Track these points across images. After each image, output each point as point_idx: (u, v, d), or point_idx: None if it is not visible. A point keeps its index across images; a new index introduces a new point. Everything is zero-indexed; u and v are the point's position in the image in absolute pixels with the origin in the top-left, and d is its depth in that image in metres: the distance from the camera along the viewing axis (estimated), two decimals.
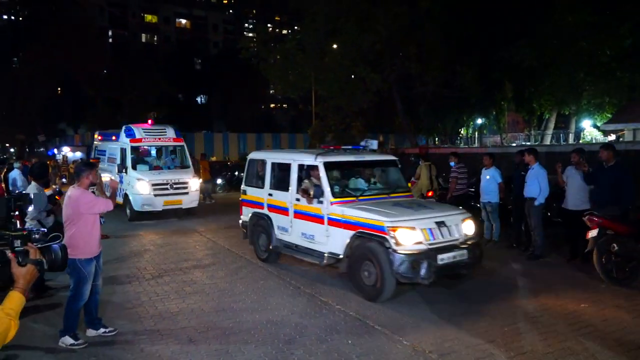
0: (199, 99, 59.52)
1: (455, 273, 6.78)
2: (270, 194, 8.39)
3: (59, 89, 46.81)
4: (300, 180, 7.75)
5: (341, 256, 6.87)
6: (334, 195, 7.16)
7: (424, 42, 19.01)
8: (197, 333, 5.53)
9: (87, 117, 43.92)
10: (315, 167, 7.49)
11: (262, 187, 8.60)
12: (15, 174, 11.19)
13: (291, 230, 7.87)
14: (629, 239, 6.85)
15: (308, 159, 7.69)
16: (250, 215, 8.86)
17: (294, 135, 41.62)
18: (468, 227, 6.76)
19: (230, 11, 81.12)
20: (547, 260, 8.52)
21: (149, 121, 14.89)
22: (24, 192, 6.80)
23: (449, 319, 5.80)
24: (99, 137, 16.69)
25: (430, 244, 6.27)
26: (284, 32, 30.62)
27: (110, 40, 61.52)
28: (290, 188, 7.89)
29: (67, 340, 5.05)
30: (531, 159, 8.61)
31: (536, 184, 8.44)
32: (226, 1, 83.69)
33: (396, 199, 7.56)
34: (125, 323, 5.83)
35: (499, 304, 6.35)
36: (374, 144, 8.72)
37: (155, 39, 69.89)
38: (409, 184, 12.26)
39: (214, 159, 31.55)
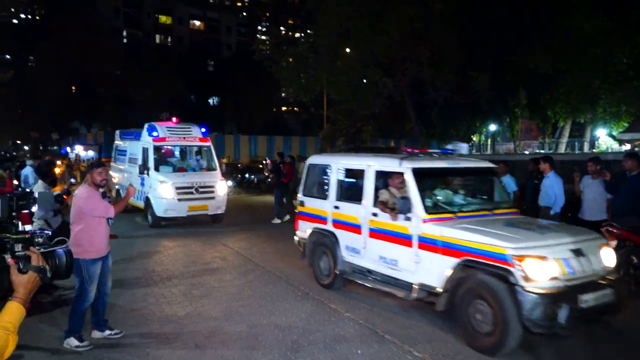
0: (211, 101, 59.74)
1: (597, 319, 5.25)
2: (336, 207, 7.05)
3: (73, 87, 47.22)
4: (377, 191, 6.45)
5: (438, 290, 5.39)
6: (427, 210, 5.74)
7: (436, 45, 18.83)
8: (204, 338, 5.44)
9: (99, 116, 44.28)
10: (399, 175, 6.20)
11: (325, 197, 7.27)
12: (28, 171, 11.21)
13: (364, 252, 6.53)
14: None
15: (390, 165, 6.40)
16: (309, 231, 7.52)
17: (305, 139, 41.55)
18: (607, 257, 5.26)
19: (244, 14, 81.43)
20: None
21: (174, 119, 13.55)
22: (27, 190, 6.77)
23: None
24: (120, 136, 15.81)
25: (567, 280, 4.81)
26: (297, 35, 30.62)
27: (125, 40, 62.01)
28: (364, 200, 6.56)
29: (72, 341, 4.99)
30: (546, 167, 8.43)
31: (552, 193, 8.26)
32: (240, 4, 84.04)
33: (502, 216, 6.15)
34: (131, 325, 5.76)
35: None
36: (464, 147, 8.04)
37: (169, 39, 70.32)
38: None
39: (224, 160, 31.59)
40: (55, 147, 44.76)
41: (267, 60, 22.26)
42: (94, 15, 45.20)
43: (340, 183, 7.15)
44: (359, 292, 7.02)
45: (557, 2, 18.10)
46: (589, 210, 7.96)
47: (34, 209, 6.73)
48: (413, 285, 5.72)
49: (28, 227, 6.59)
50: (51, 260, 1.97)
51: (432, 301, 5.57)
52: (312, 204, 7.64)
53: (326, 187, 7.35)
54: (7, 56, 55.75)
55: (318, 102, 30.80)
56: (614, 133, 23.86)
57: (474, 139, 31.58)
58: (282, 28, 54.15)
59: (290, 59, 23.03)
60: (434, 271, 5.50)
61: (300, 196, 7.95)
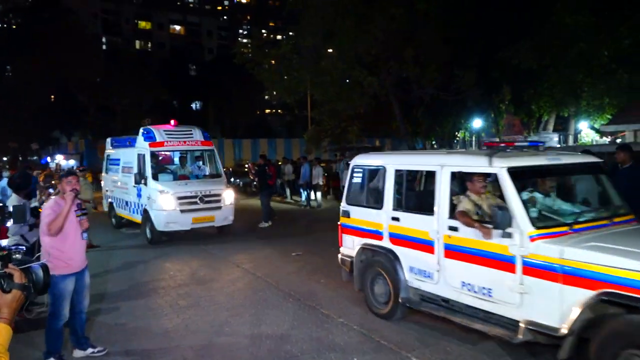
0: (193, 105, 59.19)
1: None
2: (395, 219, 5.72)
3: (52, 96, 46.42)
4: (452, 198, 5.16)
5: (561, 331, 4.04)
6: (534, 223, 4.39)
7: (421, 44, 18.76)
8: (193, 352, 5.19)
9: (80, 125, 43.56)
10: (482, 177, 4.97)
11: (379, 207, 5.95)
12: (4, 183, 10.84)
13: (439, 277, 5.19)
14: None
15: (474, 163, 5.07)
16: (358, 247, 6.23)
17: (289, 141, 41.36)
18: None
19: (225, 17, 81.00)
20: None
21: (172, 122, 12.16)
22: (1, 204, 6.40)
23: (459, 334, 5.47)
24: (112, 144, 14.31)
25: None
26: (279, 37, 30.49)
27: (104, 47, 61.21)
28: (437, 209, 5.20)
29: None
30: None
31: None
32: (220, 7, 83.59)
33: (626, 226, 4.85)
34: (116, 342, 5.47)
35: None
36: (552, 138, 6.59)
37: (149, 45, 69.67)
38: None
39: None
40: (35, 157, 43.92)
41: (249, 63, 22.03)
42: (72, 22, 44.44)
43: (399, 189, 5.84)
44: (352, 296, 6.81)
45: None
46: None
47: (9, 223, 6.45)
48: (520, 324, 4.35)
49: (4, 243, 6.25)
50: (28, 276, 1.84)
51: (547, 343, 4.30)
52: (360, 215, 6.29)
53: (380, 194, 6.02)
54: None
55: (302, 103, 30.63)
56: (596, 126, 24.03)
57: (459, 135, 31.62)
58: (263, 31, 53.94)
59: (273, 61, 22.82)
60: (551, 306, 4.14)
61: (344, 205, 6.62)
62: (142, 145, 11.60)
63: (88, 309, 5.21)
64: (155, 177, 11.08)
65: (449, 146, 28.93)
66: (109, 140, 14.63)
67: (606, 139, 23.31)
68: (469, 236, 4.84)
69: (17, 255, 1.87)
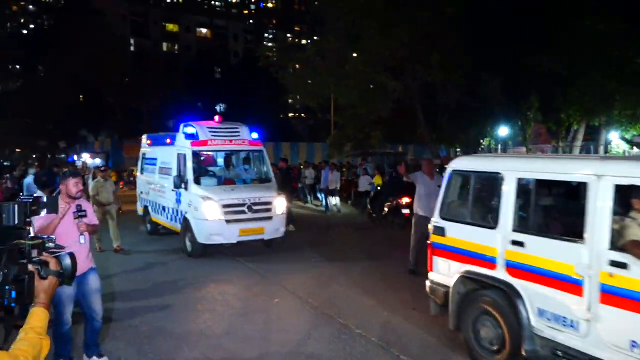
0: (218, 108, 59.68)
1: None
2: (517, 243, 4.41)
3: (81, 96, 47.35)
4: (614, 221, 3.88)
5: None
6: None
7: (447, 49, 18.45)
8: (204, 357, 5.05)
9: (107, 125, 44.31)
10: None
11: (491, 225, 4.71)
12: (30, 180, 11.07)
13: (589, 329, 3.90)
14: None
15: None
16: (457, 276, 4.97)
17: (312, 145, 41.27)
18: None
19: (251, 21, 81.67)
20: None
21: (217, 118, 10.90)
22: (36, 195, 6.35)
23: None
24: (148, 142, 12.95)
25: None
26: (304, 42, 30.57)
27: (132, 48, 62.25)
28: (589, 236, 3.91)
29: None
30: None
31: None
32: (247, 12, 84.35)
33: None
34: (124, 347, 5.36)
35: None
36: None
37: (176, 47, 70.64)
38: None
39: None
40: (62, 156, 44.80)
41: (274, 67, 22.04)
42: (101, 24, 45.33)
43: (525, 204, 4.53)
44: (373, 305, 6.60)
45: (572, 3, 17.66)
46: None
47: (43, 213, 6.43)
48: None
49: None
50: (59, 263, 1.96)
51: None
52: (461, 234, 5.04)
53: (493, 209, 4.78)
54: (17, 66, 56.08)
55: (326, 107, 30.52)
56: (627, 136, 23.28)
57: (484, 143, 31.06)
58: (288, 35, 54.19)
59: (298, 65, 22.78)
60: None
61: (437, 220, 5.37)
62: (183, 143, 10.28)
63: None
64: (197, 181, 9.80)
65: (474, 154, 28.38)
66: (145, 137, 13.29)
67: (636, 150, 22.56)
68: None
69: (51, 244, 1.97)
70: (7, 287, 1.71)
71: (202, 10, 71.94)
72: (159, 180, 11.59)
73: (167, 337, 5.59)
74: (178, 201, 10.24)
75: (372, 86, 20.38)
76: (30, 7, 66.87)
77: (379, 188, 16.00)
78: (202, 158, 10.78)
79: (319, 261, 9.40)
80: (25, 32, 62.48)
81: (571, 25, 17.94)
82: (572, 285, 4.00)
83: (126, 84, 44.69)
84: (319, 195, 18.23)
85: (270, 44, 53.02)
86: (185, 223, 9.88)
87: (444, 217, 5.32)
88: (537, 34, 18.39)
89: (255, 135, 10.79)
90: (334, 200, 17.18)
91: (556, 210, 4.76)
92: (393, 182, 15.46)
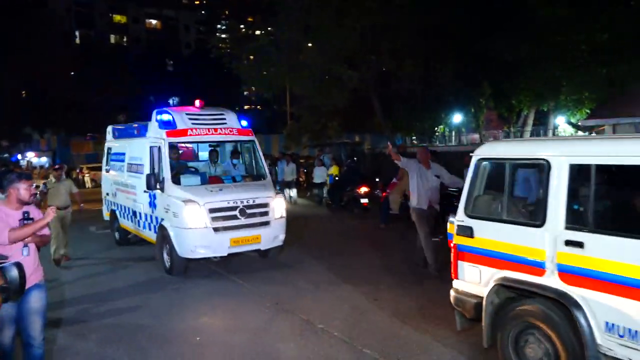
0: (171, 101, 58.19)
1: None
2: (573, 243, 3.66)
3: (23, 92, 45.10)
4: None
5: None
6: None
7: (398, 37, 18.53)
8: None
9: (53, 121, 42.39)
10: None
11: (537, 222, 3.92)
12: None
13: None
14: None
15: None
16: (491, 284, 4.21)
17: (269, 137, 40.82)
18: None
19: (202, 12, 79.86)
20: None
21: (197, 102, 9.01)
22: None
23: (447, 336, 5.17)
24: (114, 134, 11.18)
25: None
26: (257, 32, 30.13)
27: (77, 41, 59.74)
28: None
29: None
30: None
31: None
32: (198, 2, 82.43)
33: None
34: None
35: None
36: None
37: (124, 39, 68.26)
38: (391, 185, 11.80)
39: None
40: (5, 155, 42.59)
41: (227, 57, 21.60)
42: (44, 16, 43.18)
43: (583, 195, 3.74)
44: (333, 299, 6.46)
45: None
46: None
47: None
48: None
49: None
50: (3, 276, 1.76)
51: None
52: (495, 234, 4.23)
53: (539, 202, 3.97)
54: None
55: (281, 99, 30.21)
56: (573, 120, 24.12)
57: (438, 130, 31.58)
58: (242, 26, 53.35)
59: (252, 57, 22.42)
60: None
61: (461, 218, 4.53)
62: (156, 134, 8.46)
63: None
64: (175, 180, 8.06)
65: (429, 141, 28.84)
66: (110, 129, 11.48)
67: (584, 134, 23.40)
68: None
69: None
70: None
71: (150, 0, 69.67)
72: (127, 179, 9.78)
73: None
74: (152, 205, 8.48)
75: (327, 76, 20.28)
76: None
77: (336, 178, 15.92)
78: (180, 151, 9.05)
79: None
80: None
81: (518, 13, 18.32)
82: None
83: (71, 77, 42.85)
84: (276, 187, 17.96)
85: (223, 35, 52.01)
86: (162, 232, 8.09)
87: (470, 215, 4.44)
88: (485, 21, 18.70)
89: (244, 123, 9.04)
90: (292, 193, 17.01)
91: (625, 202, 3.80)
92: (350, 172, 15.43)
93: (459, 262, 4.55)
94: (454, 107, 25.26)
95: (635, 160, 3.42)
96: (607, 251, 3.47)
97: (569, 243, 3.68)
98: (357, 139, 33.41)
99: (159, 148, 8.27)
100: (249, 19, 69.74)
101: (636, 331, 3.33)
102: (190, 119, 8.51)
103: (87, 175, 28.37)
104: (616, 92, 18.90)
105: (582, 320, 3.55)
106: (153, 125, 8.66)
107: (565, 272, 3.70)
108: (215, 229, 7.64)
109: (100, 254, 9.92)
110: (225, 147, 9.55)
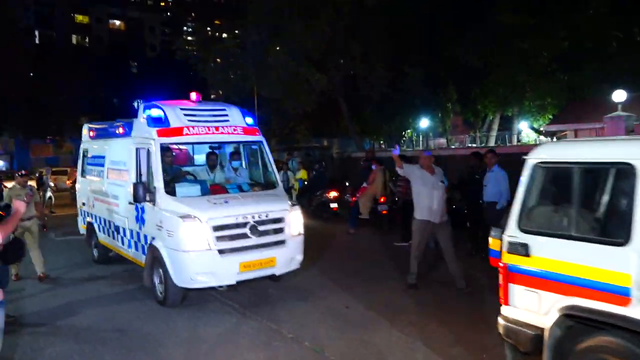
0: (135, 104, 56.97)
1: None
2: None
3: None
4: None
5: None
6: None
7: (368, 40, 18.60)
8: None
9: (10, 123, 40.74)
10: None
11: (619, 239, 3.20)
12: None
13: None
14: None
15: None
16: (556, 314, 3.52)
17: None
18: None
19: (168, 14, 78.59)
20: None
21: (194, 95, 7.57)
22: None
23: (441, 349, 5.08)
24: (91, 133, 9.64)
25: None
26: (224, 35, 29.79)
27: (37, 40, 57.81)
28: None
29: None
30: (492, 161, 8.14)
31: (497, 187, 7.97)
32: (163, 3, 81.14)
33: None
34: None
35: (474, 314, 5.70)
36: None
37: (86, 40, 66.47)
38: (361, 190, 11.72)
39: None
40: None
41: (192, 59, 21.26)
42: (0, 14, 41.51)
43: None
44: (304, 307, 6.29)
45: None
46: None
47: None
48: None
49: None
50: None
51: None
52: (559, 253, 3.55)
53: (619, 215, 3.32)
54: None
55: (249, 102, 29.90)
56: (535, 126, 24.74)
57: (406, 134, 31.85)
58: (208, 28, 52.86)
59: (218, 59, 22.13)
60: None
61: (514, 233, 3.82)
62: (144, 133, 7.04)
63: None
64: (170, 190, 6.59)
65: (397, 143, 28.96)
66: (86, 127, 9.97)
67: (543, 138, 24.02)
68: None
69: None
70: None
71: (114, 0, 68.02)
72: (108, 187, 8.38)
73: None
74: (140, 220, 7.04)
75: (295, 79, 20.18)
76: None
77: (305, 183, 15.77)
78: (173, 154, 7.48)
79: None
80: None
81: (485, 19, 18.67)
82: None
83: (31, 78, 41.34)
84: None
85: (189, 38, 51.38)
86: (153, 254, 6.65)
87: (525, 229, 3.74)
88: (452, 26, 19.00)
89: (249, 120, 7.67)
90: None
91: None
92: (319, 177, 15.31)
93: (510, 285, 3.83)
94: (422, 112, 25.53)
95: None
96: None
97: None
98: (325, 143, 33.43)
99: (148, 150, 6.84)
100: (216, 22, 69.18)
101: None
102: (186, 115, 7.10)
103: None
104: (577, 98, 19.49)
105: None
106: (140, 123, 7.22)
107: None
108: (221, 251, 6.19)
109: (66, 270, 8.70)
110: (227, 149, 8.04)
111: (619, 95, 11.11)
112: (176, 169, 7.46)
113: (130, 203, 7.15)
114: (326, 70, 19.60)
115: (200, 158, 8.25)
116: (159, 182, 6.55)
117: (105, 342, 5.38)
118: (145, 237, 6.91)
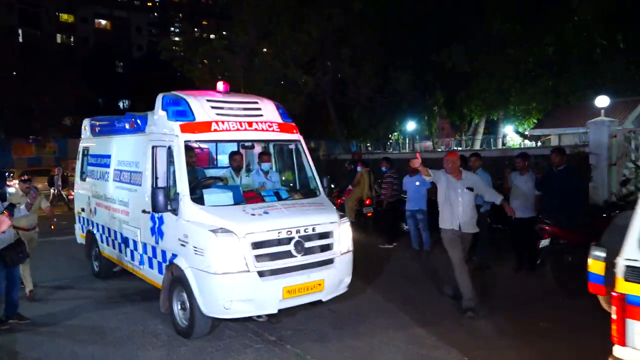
0: (121, 104, 56.43)
1: None
2: None
3: None
4: None
5: None
6: None
7: (357, 45, 18.65)
8: None
9: None
10: None
11: None
12: None
13: None
14: (584, 248, 6.49)
15: None
16: None
17: None
18: None
19: (155, 14, 78.11)
20: (493, 270, 8.07)
21: (221, 84, 6.34)
22: None
23: None
24: (93, 129, 8.61)
25: None
26: (212, 36, 29.69)
27: (21, 40, 57.03)
28: None
29: None
30: (475, 164, 8.19)
31: None
32: (150, 4, 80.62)
33: None
34: None
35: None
36: None
37: (72, 40, 65.74)
38: (345, 192, 11.71)
39: None
40: None
41: (177, 60, 21.14)
42: None
43: None
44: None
45: (474, 5, 18.60)
46: (518, 206, 7.72)
47: None
48: None
49: None
50: None
51: None
52: None
53: None
54: None
55: None
56: (520, 130, 25.01)
57: (393, 137, 31.98)
58: (195, 29, 52.60)
59: (205, 60, 22.02)
60: None
61: (633, 254, 3.11)
62: (164, 128, 5.93)
63: None
64: (196, 197, 5.48)
65: (383, 148, 29.10)
66: (87, 123, 8.84)
67: (529, 143, 24.29)
68: None
69: None
70: None
71: (101, 0, 67.38)
72: (114, 191, 7.24)
73: None
74: (157, 232, 5.90)
75: (282, 81, 20.16)
76: None
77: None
78: (195, 153, 6.54)
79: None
80: None
81: (472, 26, 18.87)
82: None
83: (13, 77, 40.76)
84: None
85: (177, 38, 51.12)
86: (173, 273, 5.57)
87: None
88: (442, 32, 19.16)
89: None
90: None
91: None
92: None
93: (629, 321, 3.04)
94: (409, 115, 25.66)
95: None
96: None
97: None
98: (312, 145, 33.39)
99: (169, 149, 5.69)
100: (203, 22, 68.93)
101: None
102: (214, 107, 5.95)
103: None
104: (561, 103, 19.73)
105: None
106: (158, 117, 6.09)
107: None
108: (261, 274, 5.09)
109: (66, 282, 7.76)
110: (259, 148, 7.11)
111: (602, 101, 11.23)
112: (201, 172, 6.48)
113: (144, 211, 6.10)
114: (314, 73, 19.62)
115: (222, 159, 7.14)
116: (183, 188, 5.38)
117: None
118: (164, 253, 5.77)
